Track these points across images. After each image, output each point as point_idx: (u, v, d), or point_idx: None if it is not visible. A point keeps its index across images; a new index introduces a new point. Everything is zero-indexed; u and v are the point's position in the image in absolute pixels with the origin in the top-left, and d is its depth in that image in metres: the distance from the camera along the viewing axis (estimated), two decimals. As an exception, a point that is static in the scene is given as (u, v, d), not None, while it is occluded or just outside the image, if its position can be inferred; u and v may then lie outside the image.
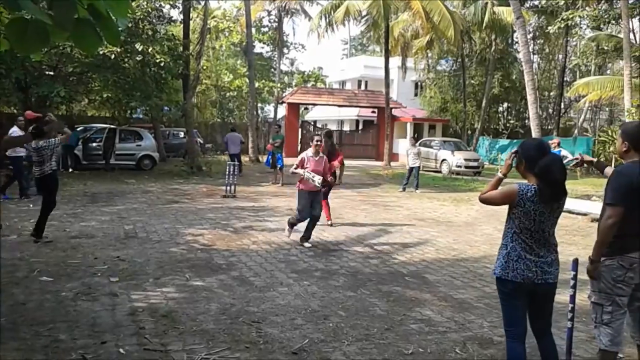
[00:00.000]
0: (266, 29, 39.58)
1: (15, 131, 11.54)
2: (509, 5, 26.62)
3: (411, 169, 16.43)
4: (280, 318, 5.02)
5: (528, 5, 31.91)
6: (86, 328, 4.59)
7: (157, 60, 17.37)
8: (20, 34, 2.88)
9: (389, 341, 4.58)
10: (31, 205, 10.56)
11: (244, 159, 24.42)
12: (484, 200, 3.60)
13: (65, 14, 2.74)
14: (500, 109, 36.33)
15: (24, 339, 4.28)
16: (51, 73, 17.58)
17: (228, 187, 13.76)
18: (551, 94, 35.25)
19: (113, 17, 3.03)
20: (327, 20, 26.52)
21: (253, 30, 29.34)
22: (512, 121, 34.82)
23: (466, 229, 10.43)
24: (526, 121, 33.13)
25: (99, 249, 7.36)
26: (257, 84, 30.69)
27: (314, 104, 37.09)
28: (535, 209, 3.32)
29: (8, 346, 4.16)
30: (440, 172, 23.45)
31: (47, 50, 15.04)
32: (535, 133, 17.15)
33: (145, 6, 17.98)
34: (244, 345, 4.36)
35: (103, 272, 6.28)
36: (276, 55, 40.84)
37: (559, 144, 15.79)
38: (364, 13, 26.17)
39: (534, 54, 32.48)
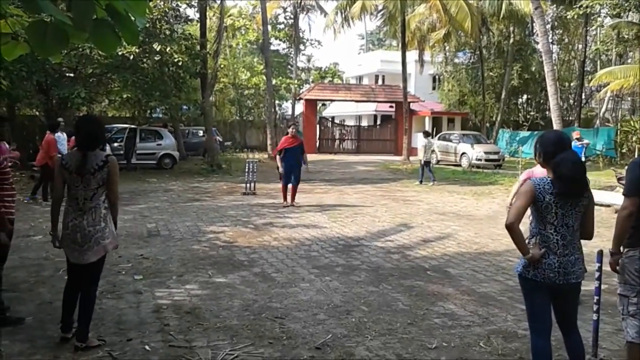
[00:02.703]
0: (282, 26, 39.68)
1: (59, 135, 11.78)
2: (526, -4, 26.43)
3: (426, 162, 16.47)
4: (303, 314, 5.04)
5: (546, -5, 31.49)
6: (112, 325, 4.66)
7: (175, 60, 17.50)
8: (40, 37, 2.91)
9: (412, 336, 4.57)
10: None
11: (263, 155, 24.53)
12: (513, 222, 3.25)
13: (84, 14, 2.77)
14: (520, 100, 35.90)
15: (51, 337, 4.35)
16: (71, 75, 17.82)
17: (248, 185, 13.84)
18: (572, 84, 34.73)
19: (131, 17, 3.06)
20: (343, 15, 26.46)
21: (269, 27, 29.38)
22: (532, 113, 34.41)
23: (487, 222, 10.34)
24: (547, 113, 32.76)
25: (123, 248, 7.44)
26: (274, 81, 30.76)
27: (332, 100, 37.11)
28: (556, 201, 3.27)
29: (37, 344, 4.25)
30: (460, 165, 23.27)
31: (67, 52, 15.25)
32: (556, 125, 16.91)
33: (163, 6, 18.13)
34: (267, 340, 4.38)
35: (127, 270, 6.37)
36: (293, 52, 40.89)
37: (579, 137, 15.65)
38: (380, 7, 26.05)
39: (553, 44, 32.03)
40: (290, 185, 11.57)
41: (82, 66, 17.61)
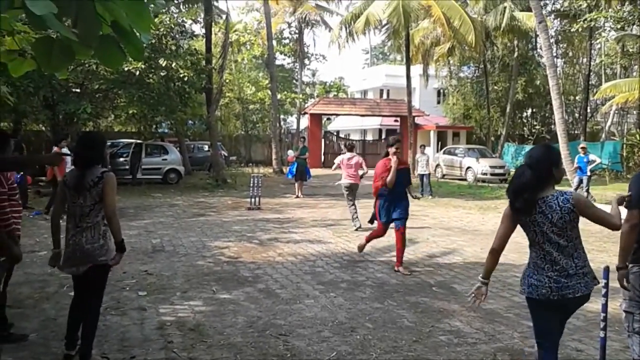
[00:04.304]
0: (287, 41, 39.91)
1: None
2: (529, 10, 26.51)
3: (421, 176, 16.60)
4: (307, 331, 5.01)
5: (549, 10, 31.58)
6: (116, 342, 4.64)
7: (181, 75, 17.62)
8: (47, 53, 2.95)
9: (417, 353, 4.52)
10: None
11: (267, 170, 24.56)
12: (497, 246, 3.48)
13: (90, 30, 2.80)
14: (525, 114, 35.89)
15: (55, 354, 4.33)
16: (77, 90, 17.94)
17: (253, 200, 13.84)
18: (576, 98, 34.72)
19: (136, 33, 3.09)
20: (348, 30, 26.57)
21: (274, 42, 29.56)
22: (537, 127, 34.36)
23: (493, 237, 10.23)
24: (552, 126, 32.65)
25: (127, 263, 7.44)
26: (279, 96, 30.89)
27: (336, 114, 37.19)
28: (531, 219, 3.28)
29: (40, 361, 4.23)
30: (465, 179, 23.22)
31: (73, 68, 15.37)
32: (561, 138, 16.88)
33: (168, 22, 18.29)
34: (271, 358, 4.35)
35: (131, 287, 6.36)
36: (297, 67, 41.10)
37: (585, 150, 15.58)
38: (384, 22, 26.18)
39: (557, 58, 32.07)
40: (395, 231, 7.48)
41: (88, 82, 17.75)
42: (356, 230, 10.48)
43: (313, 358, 4.38)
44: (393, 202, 7.46)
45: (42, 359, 4.28)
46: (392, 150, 7.47)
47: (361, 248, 8.12)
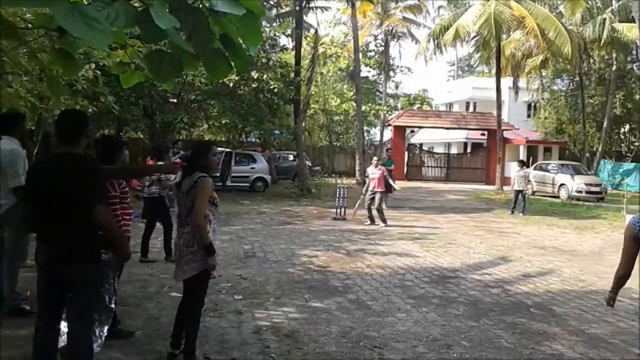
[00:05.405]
0: (372, 53, 39.96)
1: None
2: (630, 21, 25.03)
3: (517, 192, 15.99)
4: (402, 344, 4.95)
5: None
6: (215, 344, 4.80)
7: (271, 87, 18.08)
8: (157, 65, 3.12)
9: (519, 376, 4.35)
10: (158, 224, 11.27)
11: (351, 181, 24.64)
12: (623, 270, 3.35)
13: (204, 44, 2.93)
14: (623, 130, 33.81)
15: (159, 352, 4.53)
16: (174, 101, 18.86)
17: (338, 210, 13.91)
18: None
19: (244, 46, 3.20)
20: (436, 42, 26.26)
21: (360, 54, 29.72)
22: (636, 143, 32.25)
23: (592, 258, 9.73)
24: (653, 143, 30.65)
25: (222, 267, 7.66)
26: (363, 108, 30.96)
27: (421, 127, 36.73)
28: None
29: (146, 358, 4.43)
30: (558, 197, 22.16)
31: (171, 80, 16.17)
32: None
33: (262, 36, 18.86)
34: (368, 370, 4.34)
35: (227, 290, 6.56)
36: (382, 79, 41.04)
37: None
38: (473, 34, 25.66)
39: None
40: None
41: (184, 92, 18.61)
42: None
43: (410, 373, 4.32)
44: None
45: (148, 356, 4.48)
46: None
47: None
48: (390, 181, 13.94)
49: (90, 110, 12.72)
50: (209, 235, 4.16)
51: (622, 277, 3.26)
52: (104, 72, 10.41)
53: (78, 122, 3.60)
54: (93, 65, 10.33)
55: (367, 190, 13.17)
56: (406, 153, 32.48)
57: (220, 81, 16.70)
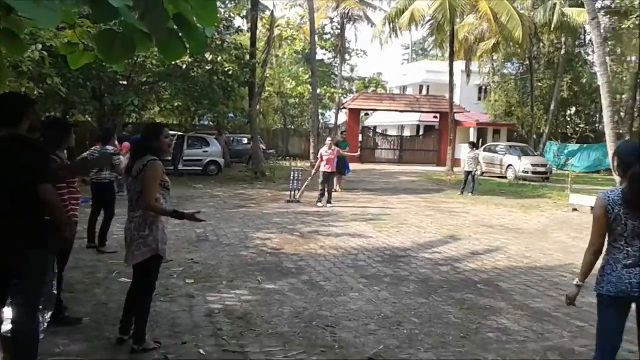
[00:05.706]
0: (328, 36, 39.84)
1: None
2: (579, 6, 25.77)
3: (467, 173, 16.41)
4: (354, 323, 5.03)
5: (599, 6, 30.59)
6: (166, 328, 4.75)
7: (226, 69, 17.79)
8: (108, 45, 3.01)
9: (466, 349, 4.49)
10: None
11: (305, 164, 24.66)
12: (599, 245, 3.33)
13: (158, 23, 2.84)
14: (569, 113, 34.97)
15: (108, 339, 4.45)
16: (124, 83, 18.33)
17: (292, 192, 13.92)
18: (623, 97, 33.63)
19: (200, 27, 3.13)
20: (391, 26, 26.39)
21: (316, 37, 29.57)
22: (581, 125, 33.45)
23: (538, 236, 10.09)
24: (597, 125, 31.80)
25: (173, 252, 7.56)
26: (318, 91, 30.92)
27: (376, 110, 37.02)
28: (625, 212, 3.19)
29: (94, 345, 4.34)
30: (505, 177, 22.81)
31: (121, 61, 15.71)
32: (609, 137, 16.40)
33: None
34: (319, 349, 4.39)
35: (179, 274, 6.49)
36: (337, 62, 41.02)
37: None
38: (428, 18, 25.92)
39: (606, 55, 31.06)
40: None
41: (135, 74, 18.11)
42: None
43: (360, 350, 4.40)
44: None
45: (96, 342, 4.39)
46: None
47: None
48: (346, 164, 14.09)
49: (36, 92, 12.28)
50: (164, 208, 4.13)
51: (597, 252, 3.33)
52: (50, 53, 10.05)
53: (19, 104, 3.49)
54: (40, 46, 9.96)
55: (317, 171, 13.37)
56: (360, 136, 32.70)
57: (173, 63, 16.36)
